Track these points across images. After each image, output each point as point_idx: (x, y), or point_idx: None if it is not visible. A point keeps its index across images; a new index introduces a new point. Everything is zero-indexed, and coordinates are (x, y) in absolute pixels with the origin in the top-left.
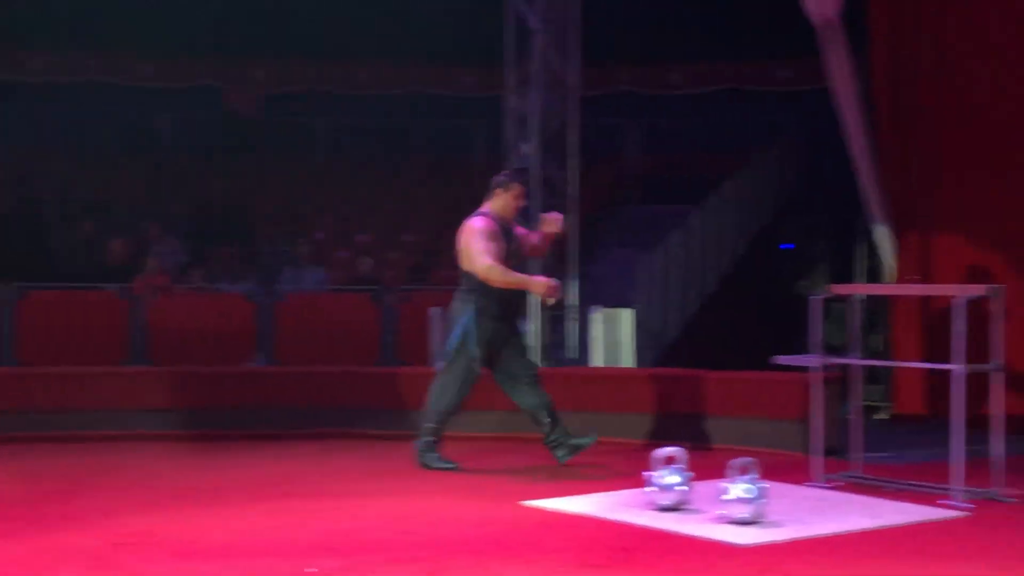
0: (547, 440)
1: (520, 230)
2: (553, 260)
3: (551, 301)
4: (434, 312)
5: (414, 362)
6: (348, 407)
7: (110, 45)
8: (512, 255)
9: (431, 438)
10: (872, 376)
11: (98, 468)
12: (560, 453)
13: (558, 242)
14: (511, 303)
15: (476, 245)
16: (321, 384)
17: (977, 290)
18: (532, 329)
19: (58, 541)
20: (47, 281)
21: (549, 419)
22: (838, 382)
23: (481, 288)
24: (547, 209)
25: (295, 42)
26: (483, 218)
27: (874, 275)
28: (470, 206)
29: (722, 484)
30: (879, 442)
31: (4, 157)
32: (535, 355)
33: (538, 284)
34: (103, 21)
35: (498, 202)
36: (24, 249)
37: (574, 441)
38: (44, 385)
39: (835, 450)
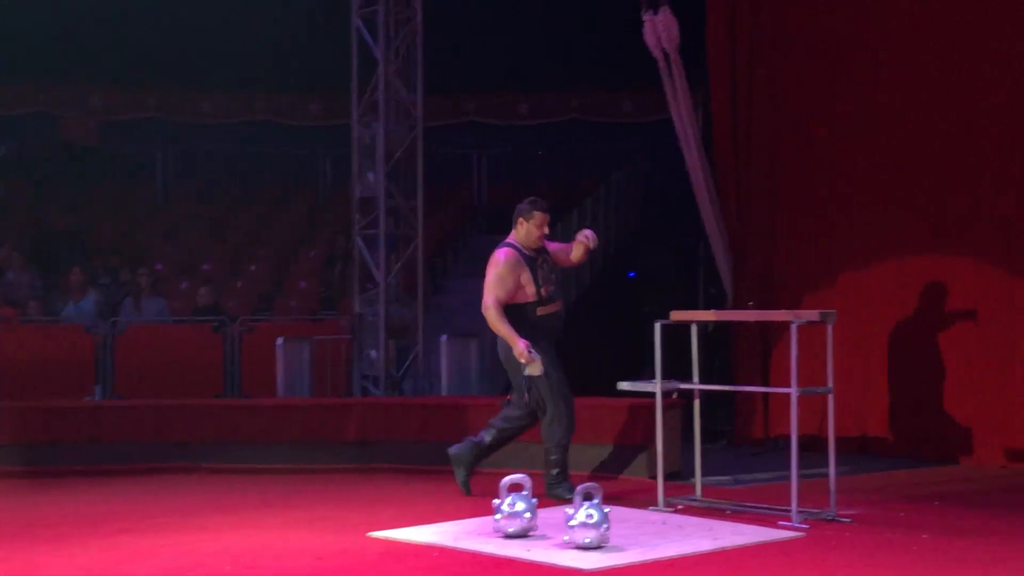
0: (452, 451)
1: (552, 245)
2: (401, 290)
3: (530, 371)
4: (279, 343)
5: (259, 394)
6: (191, 441)
7: None
8: (543, 281)
9: (557, 470)
10: (717, 401)
11: None
12: (461, 473)
13: (410, 270)
14: (549, 329)
15: (489, 277)
16: (162, 417)
17: (810, 315)
18: (377, 357)
19: None
20: None
21: (487, 446)
22: (681, 407)
23: (515, 320)
24: (394, 238)
25: (135, 69)
26: (507, 250)
27: (716, 301)
28: (317, 235)
29: (567, 510)
30: (721, 466)
31: None
32: (382, 385)
33: (519, 348)
34: None
35: (521, 231)
36: None
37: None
38: None
39: (678, 474)
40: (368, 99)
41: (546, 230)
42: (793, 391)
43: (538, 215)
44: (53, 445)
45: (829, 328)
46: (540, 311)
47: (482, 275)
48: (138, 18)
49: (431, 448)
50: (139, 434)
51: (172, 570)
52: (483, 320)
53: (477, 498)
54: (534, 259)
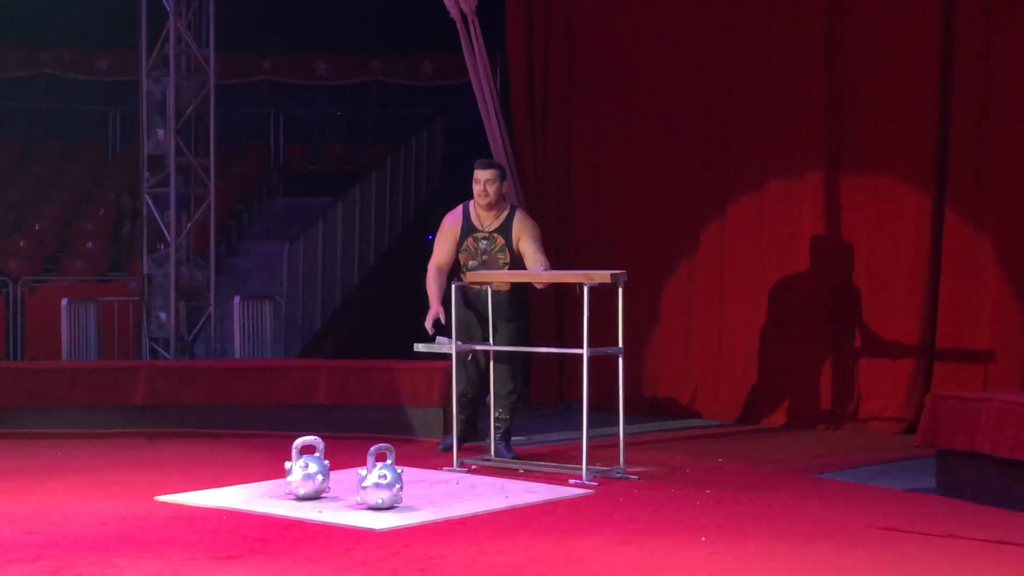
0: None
1: (532, 245)
2: (192, 251)
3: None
4: (64, 304)
5: (43, 357)
6: None
7: None
8: (464, 250)
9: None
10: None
11: None
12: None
13: (202, 231)
14: (474, 294)
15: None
16: None
17: (602, 277)
18: (167, 320)
19: None
20: None
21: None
22: None
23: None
24: (186, 197)
25: None
26: (451, 212)
27: None
28: (104, 194)
29: (359, 471)
30: (516, 426)
31: None
32: (172, 348)
33: (429, 313)
34: None
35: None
36: None
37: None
38: None
39: (473, 435)
40: (158, 53)
41: (485, 188)
42: (585, 352)
43: (475, 172)
44: None
45: (619, 290)
46: (463, 279)
47: (276, 236)
48: None
49: (222, 412)
50: None
51: None
52: (278, 283)
53: (270, 461)
54: (473, 228)
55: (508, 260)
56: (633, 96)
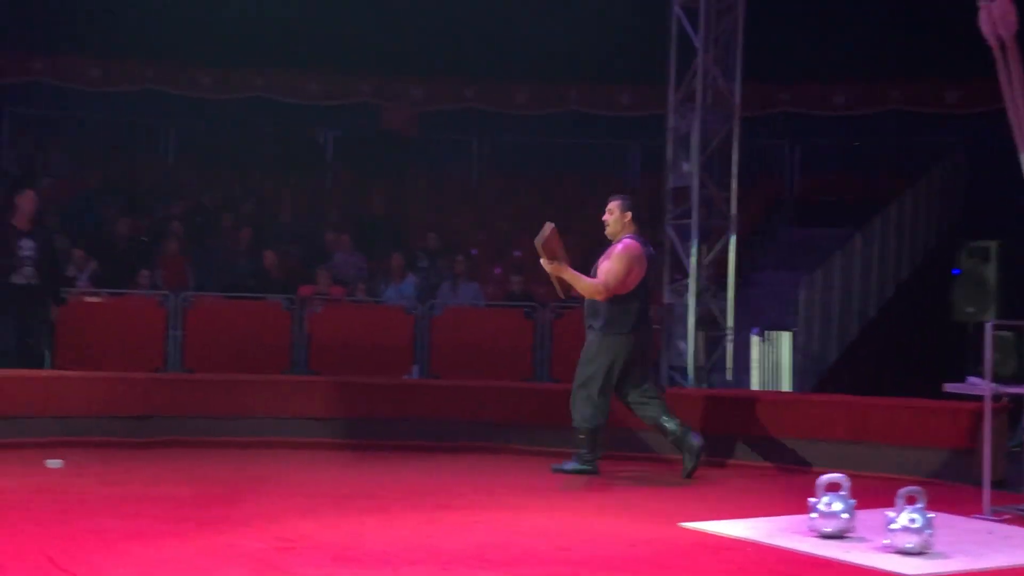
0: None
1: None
2: (709, 282)
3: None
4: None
5: (568, 380)
6: (501, 422)
7: (275, 62)
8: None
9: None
10: None
11: (260, 473)
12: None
13: (719, 262)
14: None
15: None
16: (476, 398)
17: None
18: (687, 350)
19: (223, 542)
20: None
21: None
22: (1007, 412)
23: None
24: (706, 229)
25: (452, 61)
26: None
27: None
28: None
29: (887, 513)
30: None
31: (176, 168)
32: (690, 376)
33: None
34: (268, 40)
35: None
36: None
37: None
38: (210, 391)
39: (1003, 482)
40: (685, 88)
41: (605, 218)
42: None
43: None
44: (372, 420)
45: None
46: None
47: (791, 268)
48: (456, 13)
49: (740, 442)
50: (452, 412)
51: (488, 545)
52: (791, 314)
53: (788, 494)
54: None
55: None
56: None
